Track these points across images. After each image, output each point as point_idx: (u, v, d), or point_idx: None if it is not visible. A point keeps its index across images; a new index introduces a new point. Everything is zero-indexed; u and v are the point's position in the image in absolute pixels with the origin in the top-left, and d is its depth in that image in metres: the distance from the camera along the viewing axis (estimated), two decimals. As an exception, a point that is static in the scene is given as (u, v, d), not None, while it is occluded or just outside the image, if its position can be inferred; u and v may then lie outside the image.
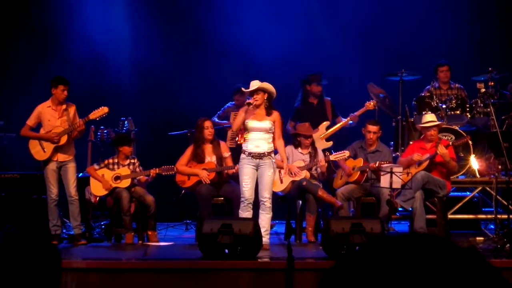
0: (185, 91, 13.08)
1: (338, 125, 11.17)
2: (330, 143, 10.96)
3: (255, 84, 8.94)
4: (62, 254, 8.11)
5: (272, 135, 9.04)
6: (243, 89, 9.13)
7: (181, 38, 13.47)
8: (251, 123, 8.94)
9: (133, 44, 13.31)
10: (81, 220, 9.90)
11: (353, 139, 10.54)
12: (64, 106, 9.67)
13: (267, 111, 8.98)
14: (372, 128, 10.08)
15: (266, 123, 8.95)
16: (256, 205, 9.02)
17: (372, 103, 11.00)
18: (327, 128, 11.14)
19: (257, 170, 8.94)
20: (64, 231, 10.04)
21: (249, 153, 8.93)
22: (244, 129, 9.00)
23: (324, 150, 10.57)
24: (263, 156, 8.91)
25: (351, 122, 11.11)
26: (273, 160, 9.00)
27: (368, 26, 13.37)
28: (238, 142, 9.35)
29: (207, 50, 13.33)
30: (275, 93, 9.01)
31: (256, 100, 8.90)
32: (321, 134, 11.06)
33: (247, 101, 9.01)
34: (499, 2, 13.36)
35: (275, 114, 9.01)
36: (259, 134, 8.95)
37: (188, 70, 13.29)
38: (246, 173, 8.92)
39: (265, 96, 8.94)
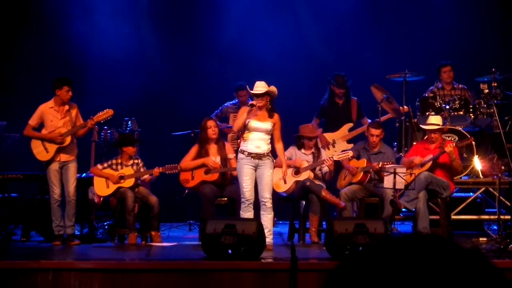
0: (189, 91, 13.11)
1: (361, 128, 11.14)
2: (351, 146, 10.91)
3: (260, 86, 8.95)
4: (64, 254, 8.04)
5: (271, 137, 9.05)
6: (249, 89, 9.11)
7: (184, 39, 13.48)
8: (253, 123, 8.96)
9: (136, 45, 13.32)
10: (84, 220, 9.92)
11: (359, 139, 10.54)
12: (66, 107, 9.69)
13: (269, 112, 9.00)
14: (375, 131, 10.07)
15: (268, 124, 8.98)
16: (257, 205, 9.02)
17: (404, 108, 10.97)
18: (350, 130, 11.14)
19: (255, 170, 8.96)
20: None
21: (249, 154, 8.94)
22: (244, 129, 9.02)
23: (343, 152, 10.59)
24: (262, 156, 8.93)
25: None
26: (272, 160, 9.02)
27: (371, 26, 13.38)
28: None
29: (210, 50, 13.35)
30: (276, 94, 9.05)
31: (260, 102, 8.93)
32: (343, 135, 11.07)
33: (250, 102, 9.04)
34: (502, 3, 13.36)
35: (276, 117, 9.04)
36: (260, 134, 8.97)
37: (191, 70, 13.32)
38: (246, 173, 8.94)
39: (268, 98, 8.97)
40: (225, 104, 11.56)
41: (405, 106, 10.96)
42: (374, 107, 11.20)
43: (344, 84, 11.24)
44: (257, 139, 8.97)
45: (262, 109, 8.98)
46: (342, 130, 11.11)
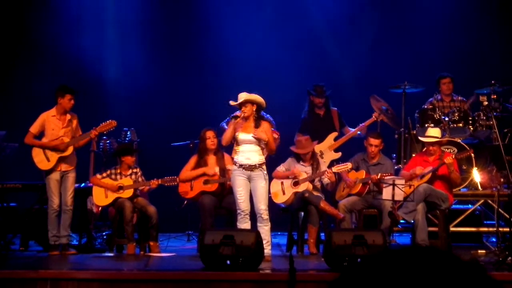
0: (188, 101, 13.11)
1: (346, 136, 11.16)
2: (339, 154, 10.91)
3: (242, 96, 8.95)
4: (62, 264, 8.02)
5: (263, 147, 9.04)
6: (230, 102, 9.07)
7: (183, 50, 13.50)
8: (241, 135, 8.96)
9: (136, 56, 13.33)
10: (83, 230, 9.92)
11: (359, 150, 10.51)
12: (69, 116, 9.69)
13: (256, 122, 8.98)
14: (374, 141, 10.07)
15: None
16: (253, 217, 9.02)
17: (378, 115, 11.01)
18: (335, 139, 11.12)
19: (249, 182, 8.95)
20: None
21: (240, 165, 8.94)
22: (235, 142, 9.04)
23: (332, 161, 10.58)
24: (254, 168, 8.92)
25: (359, 132, 11.10)
26: (265, 172, 8.99)
27: (371, 38, 13.40)
28: None
29: (209, 61, 13.37)
30: (264, 103, 9.02)
31: (244, 113, 8.92)
32: (329, 145, 11.05)
33: (234, 114, 9.02)
34: (502, 15, 13.39)
35: (265, 125, 9.02)
36: (249, 146, 8.96)
37: (190, 81, 13.32)
38: (239, 184, 8.93)
39: (254, 108, 8.95)
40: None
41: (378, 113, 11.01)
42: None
43: (323, 93, 11.25)
44: (247, 151, 8.96)
45: (248, 119, 8.97)
46: (328, 140, 11.08)
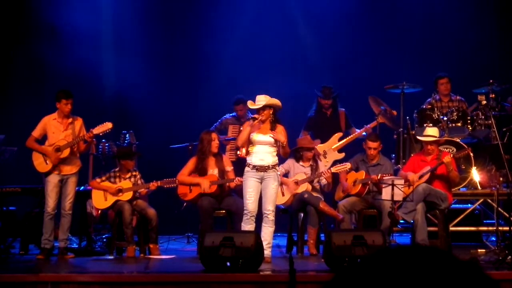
0: (186, 104, 13.12)
1: (351, 137, 11.17)
2: (343, 155, 10.92)
3: (261, 99, 8.93)
4: (62, 267, 7.98)
5: (277, 149, 9.04)
6: (250, 103, 9.08)
7: (181, 52, 13.51)
8: (256, 136, 8.95)
9: (134, 59, 13.33)
10: (83, 233, 9.91)
11: (363, 151, 10.52)
12: (70, 120, 9.69)
13: (272, 125, 8.98)
14: (373, 144, 10.07)
15: (270, 137, 8.96)
16: (258, 218, 9.01)
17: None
18: (340, 139, 11.13)
19: (261, 183, 8.94)
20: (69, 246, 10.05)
21: (254, 166, 8.92)
22: (248, 142, 9.02)
23: (335, 162, 10.58)
24: (267, 169, 8.91)
25: (364, 133, 11.10)
26: (278, 173, 9.01)
27: (369, 38, 13.41)
28: (240, 156, 9.38)
29: (207, 63, 13.37)
30: (281, 106, 9.03)
31: (262, 116, 8.91)
32: (334, 145, 11.05)
33: (252, 116, 9.04)
34: (500, 14, 13.40)
35: (280, 128, 9.01)
36: (264, 147, 8.95)
37: (188, 83, 13.33)
38: (250, 186, 8.91)
39: (271, 111, 8.95)
40: (225, 116, 11.57)
41: (394, 111, 11.03)
42: (372, 119, 11.20)
43: (330, 95, 11.27)
44: (262, 152, 8.95)
45: (264, 122, 8.97)
46: (332, 140, 11.09)
